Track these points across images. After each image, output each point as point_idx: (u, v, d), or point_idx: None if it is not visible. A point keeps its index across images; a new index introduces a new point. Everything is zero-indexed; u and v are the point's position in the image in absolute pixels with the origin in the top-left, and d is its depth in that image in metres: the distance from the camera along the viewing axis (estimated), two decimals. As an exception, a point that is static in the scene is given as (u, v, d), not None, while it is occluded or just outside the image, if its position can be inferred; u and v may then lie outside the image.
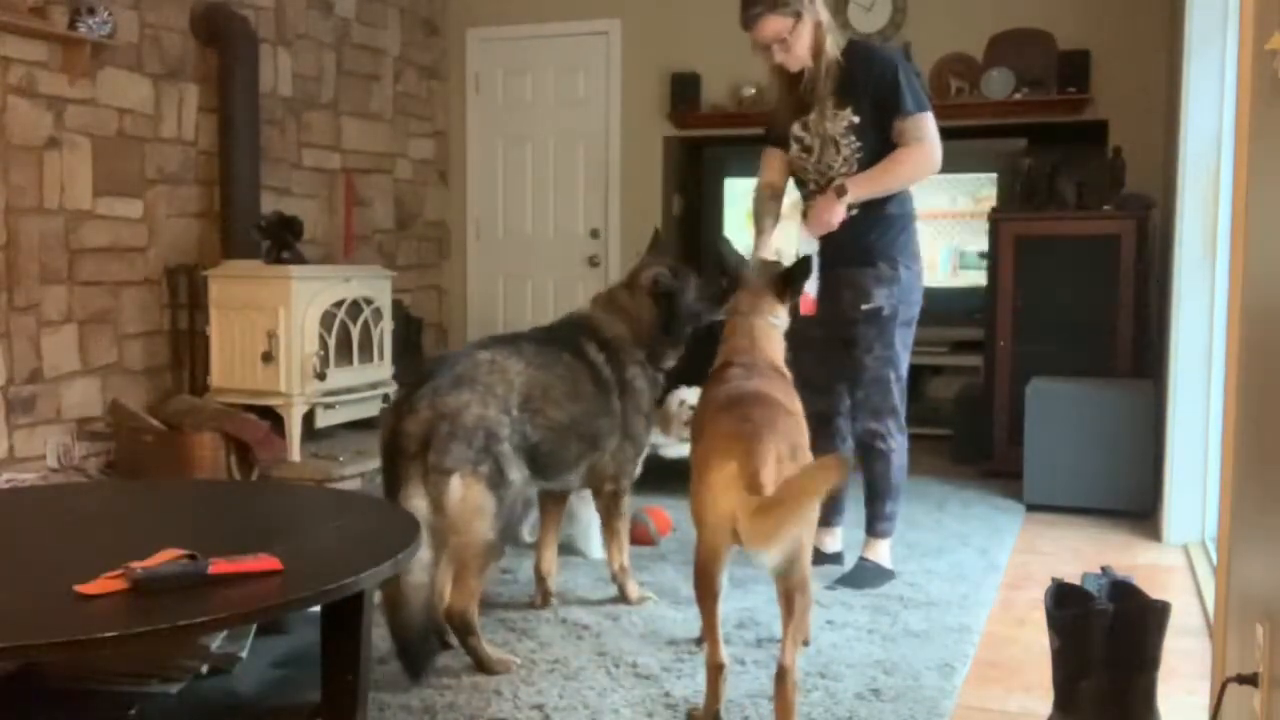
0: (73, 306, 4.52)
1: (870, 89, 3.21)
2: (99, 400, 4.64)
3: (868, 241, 3.27)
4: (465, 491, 2.58)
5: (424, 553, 2.49)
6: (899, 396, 3.35)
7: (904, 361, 3.36)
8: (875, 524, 3.42)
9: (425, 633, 2.55)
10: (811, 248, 3.20)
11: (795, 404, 2.53)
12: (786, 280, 2.79)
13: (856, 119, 3.23)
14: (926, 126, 3.19)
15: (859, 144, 3.23)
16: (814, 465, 2.24)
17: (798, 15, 3.19)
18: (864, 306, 3.26)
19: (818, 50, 3.24)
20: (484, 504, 2.60)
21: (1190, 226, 3.92)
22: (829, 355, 3.34)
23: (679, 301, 3.08)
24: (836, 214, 3.18)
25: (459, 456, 2.58)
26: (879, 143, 3.22)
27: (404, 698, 2.49)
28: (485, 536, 2.62)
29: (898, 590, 3.31)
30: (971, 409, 5.22)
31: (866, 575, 3.36)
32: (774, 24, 3.21)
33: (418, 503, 2.56)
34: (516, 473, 2.69)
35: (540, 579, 3.18)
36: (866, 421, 3.37)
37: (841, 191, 3.18)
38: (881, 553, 3.43)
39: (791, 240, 3.25)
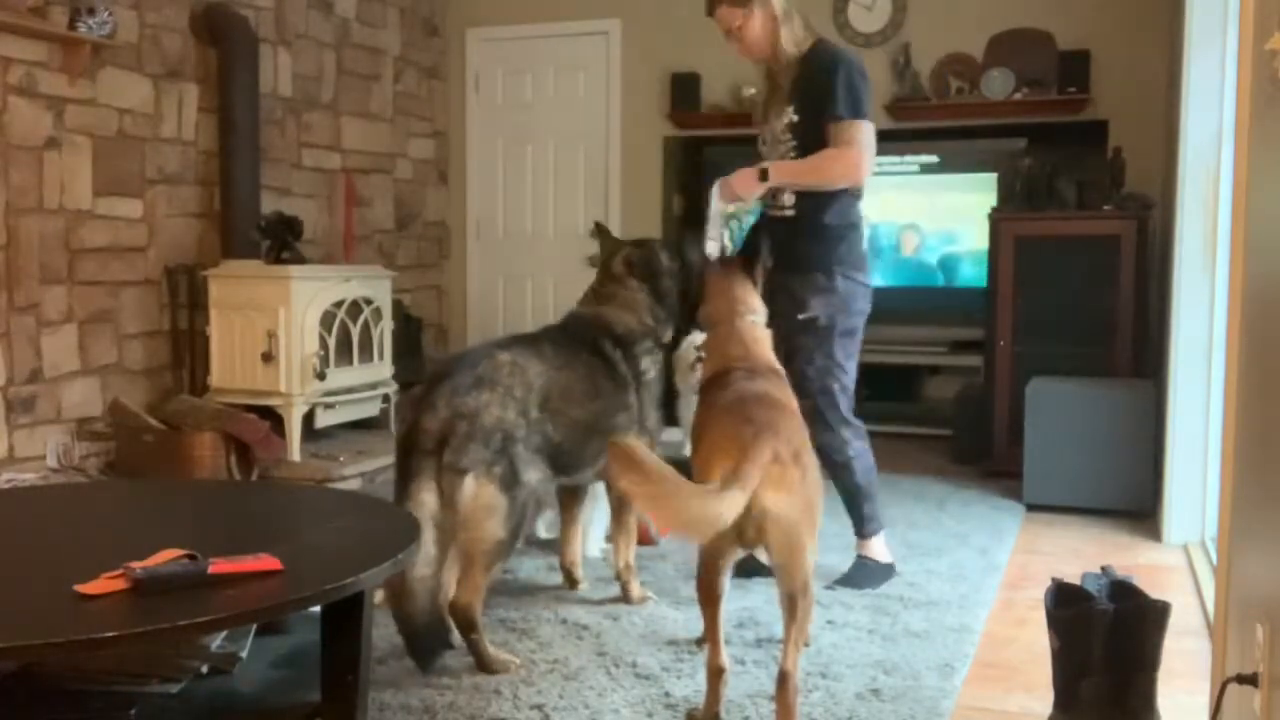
0: (73, 306, 4.52)
1: (811, 89, 3.21)
2: (99, 400, 4.64)
3: (805, 249, 3.26)
4: (478, 491, 2.60)
5: (429, 548, 2.51)
6: (847, 406, 3.32)
7: (849, 371, 3.34)
8: (860, 527, 3.42)
9: (431, 625, 2.57)
10: (728, 215, 3.25)
11: (793, 404, 2.53)
12: (748, 265, 2.77)
13: (796, 118, 3.24)
14: (856, 133, 3.14)
15: (795, 143, 3.25)
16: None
17: (747, 7, 3.21)
18: (800, 316, 3.24)
19: (773, 45, 3.26)
20: (496, 504, 2.63)
21: (1190, 226, 3.92)
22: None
23: (658, 270, 3.15)
24: (749, 189, 3.19)
25: (475, 457, 2.60)
26: (814, 144, 3.21)
27: (404, 698, 2.49)
28: (496, 535, 2.64)
29: (898, 590, 3.31)
30: (971, 409, 5.22)
31: (866, 573, 3.36)
32: (725, 14, 3.26)
33: (426, 498, 2.58)
34: (531, 473, 2.72)
35: (567, 571, 3.30)
36: (819, 435, 3.26)
37: (764, 174, 3.20)
38: (877, 549, 3.42)
39: (715, 223, 3.27)
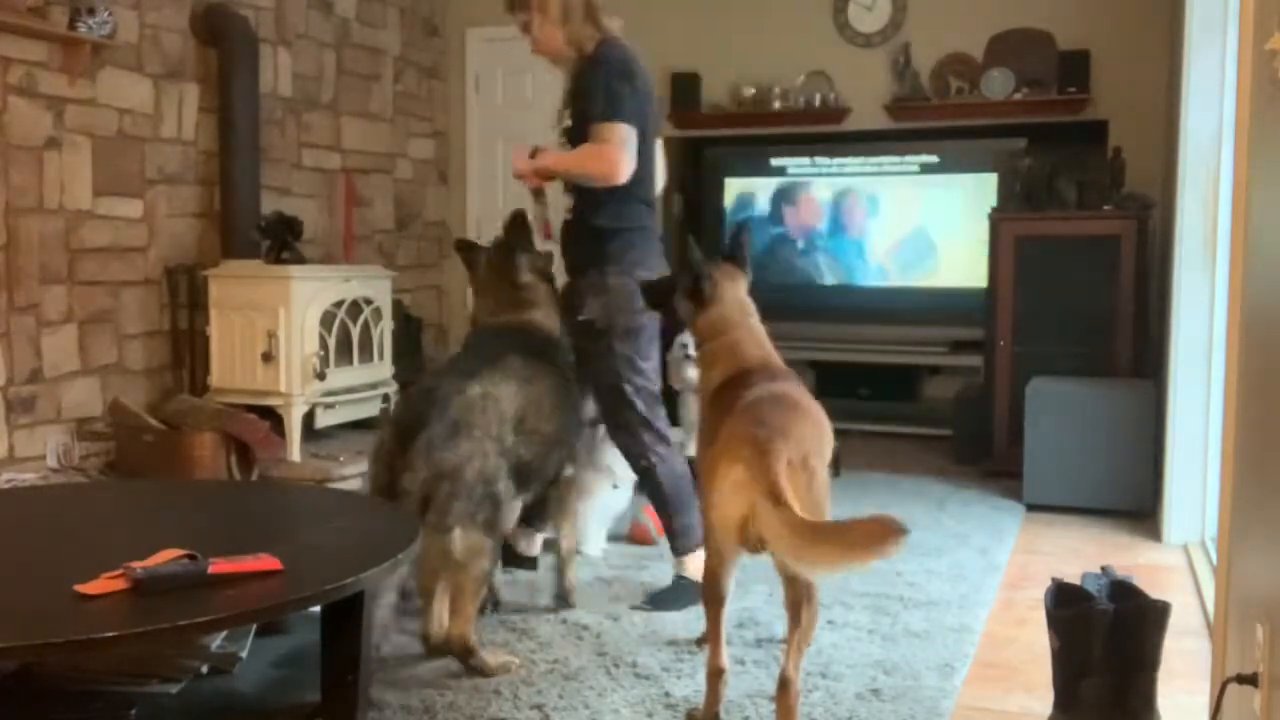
0: (73, 306, 4.52)
1: (579, 92, 3.17)
2: (99, 400, 4.64)
3: (579, 249, 3.24)
4: (466, 541, 2.57)
5: (386, 615, 2.46)
6: (645, 407, 3.18)
7: (644, 372, 3.21)
8: (673, 542, 3.24)
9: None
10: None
11: (815, 407, 2.47)
12: (737, 258, 2.76)
13: (569, 123, 3.21)
14: (610, 133, 3.05)
15: (569, 149, 3.20)
16: (871, 534, 2.01)
17: (527, 11, 3.19)
18: (579, 318, 3.17)
19: (558, 47, 3.22)
20: (483, 545, 2.61)
21: (1190, 226, 3.92)
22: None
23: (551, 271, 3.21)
24: (519, 163, 3.17)
25: (460, 513, 2.56)
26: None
27: (404, 698, 2.49)
28: (483, 568, 2.64)
29: (898, 590, 3.31)
30: (971, 409, 5.22)
31: (679, 593, 3.17)
32: (514, 17, 3.24)
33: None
34: (509, 499, 2.69)
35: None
36: (619, 439, 3.23)
37: (535, 151, 3.19)
38: (693, 566, 3.11)
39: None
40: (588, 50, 3.17)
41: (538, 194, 3.31)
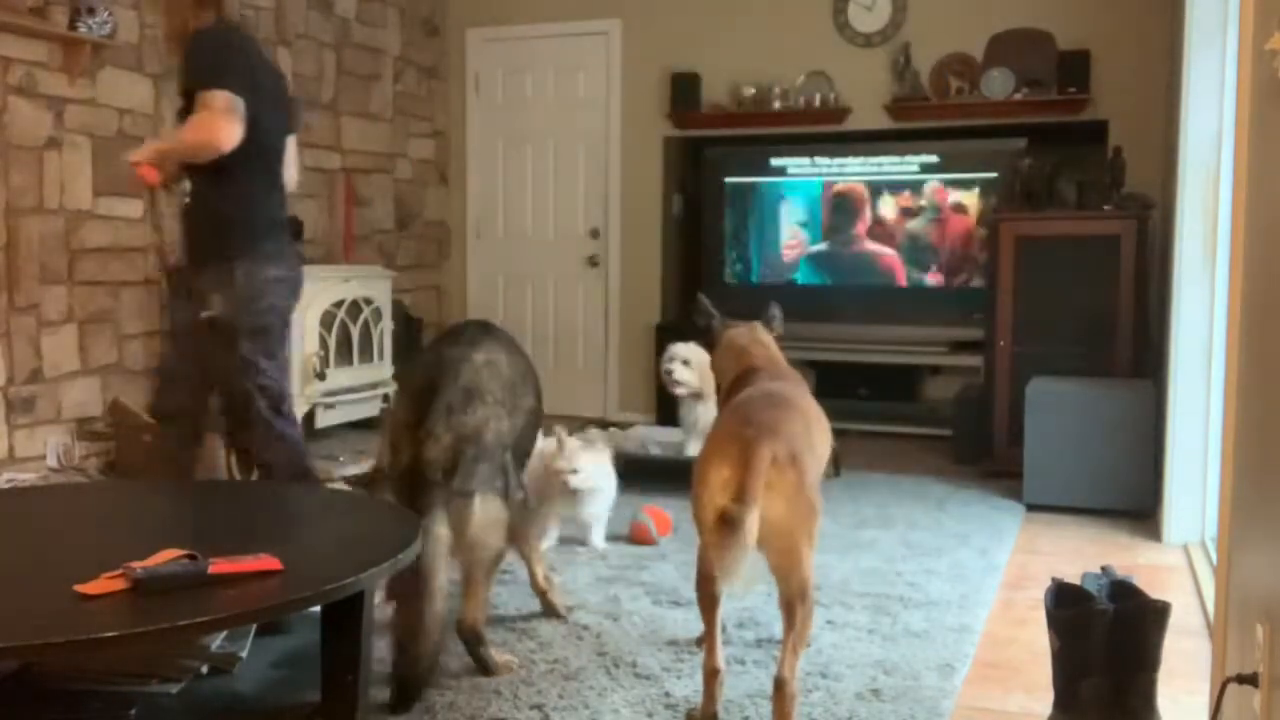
0: (73, 306, 4.52)
1: (184, 71, 3.07)
2: (99, 400, 4.64)
3: (200, 240, 3.11)
4: (484, 508, 2.54)
5: (445, 584, 2.46)
6: (267, 406, 3.12)
7: (266, 371, 3.12)
8: None
9: (432, 670, 2.50)
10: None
11: (810, 407, 2.49)
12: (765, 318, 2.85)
13: (182, 102, 3.09)
14: (213, 99, 2.91)
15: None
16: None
17: None
18: (203, 314, 3.07)
19: (169, 32, 3.19)
20: (500, 517, 2.58)
21: (1190, 226, 3.92)
22: (188, 354, 3.18)
23: None
24: (136, 154, 3.09)
25: (481, 477, 2.54)
26: None
27: (404, 698, 2.49)
28: (500, 547, 2.61)
29: (898, 590, 3.31)
30: (971, 409, 5.22)
31: None
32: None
33: (441, 530, 2.47)
34: (516, 474, 2.69)
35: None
36: (240, 436, 3.16)
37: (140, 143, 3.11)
38: None
39: None
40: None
41: (163, 188, 3.16)
